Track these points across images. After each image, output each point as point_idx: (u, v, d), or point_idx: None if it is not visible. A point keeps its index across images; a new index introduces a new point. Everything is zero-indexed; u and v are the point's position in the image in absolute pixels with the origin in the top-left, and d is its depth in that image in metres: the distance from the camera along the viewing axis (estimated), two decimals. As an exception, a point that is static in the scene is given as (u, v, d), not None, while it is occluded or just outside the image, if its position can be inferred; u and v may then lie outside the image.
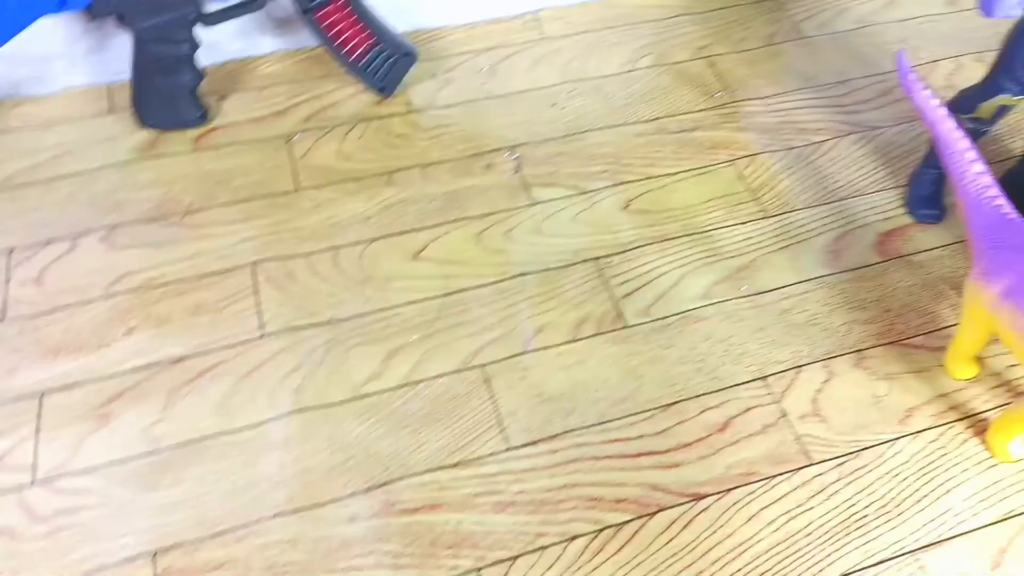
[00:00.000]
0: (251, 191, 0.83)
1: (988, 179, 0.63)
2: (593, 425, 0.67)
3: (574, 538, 0.61)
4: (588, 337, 0.72)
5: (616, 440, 0.66)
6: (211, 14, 0.83)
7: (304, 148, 0.87)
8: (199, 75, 0.86)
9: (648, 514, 0.62)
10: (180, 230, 0.79)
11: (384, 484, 0.63)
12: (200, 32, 0.85)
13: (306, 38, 0.97)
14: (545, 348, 0.72)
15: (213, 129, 0.89)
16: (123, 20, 0.80)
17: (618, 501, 0.63)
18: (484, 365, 0.70)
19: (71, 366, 0.69)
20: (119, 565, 0.58)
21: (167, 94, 0.85)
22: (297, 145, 0.88)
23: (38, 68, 0.90)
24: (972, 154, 0.64)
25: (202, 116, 0.87)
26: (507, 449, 0.66)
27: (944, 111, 0.65)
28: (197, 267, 0.76)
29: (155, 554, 0.59)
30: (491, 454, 0.65)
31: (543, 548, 0.61)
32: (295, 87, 0.94)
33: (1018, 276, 0.56)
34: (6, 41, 0.77)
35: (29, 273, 0.75)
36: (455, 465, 0.64)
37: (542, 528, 0.61)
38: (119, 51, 0.90)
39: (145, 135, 0.87)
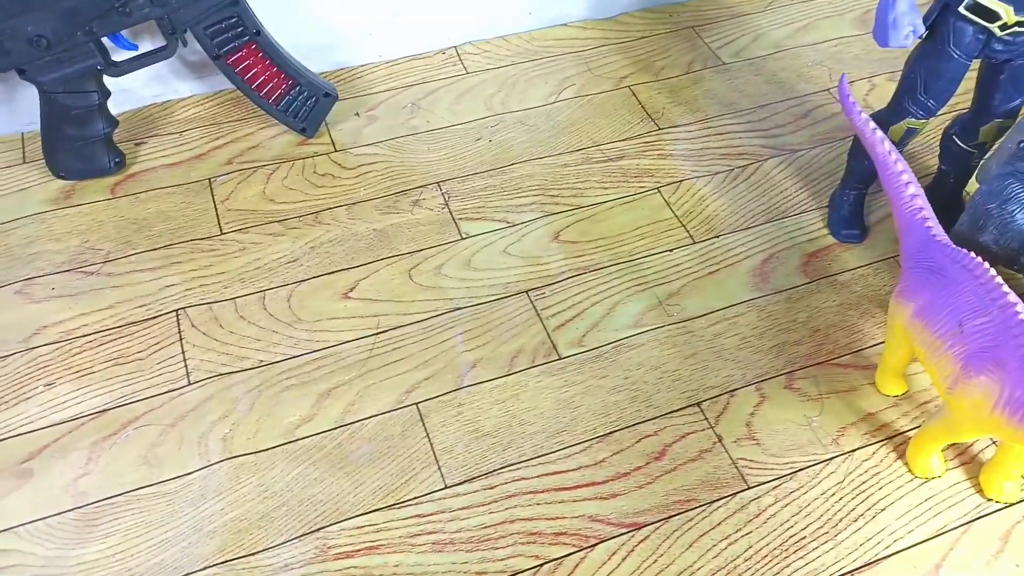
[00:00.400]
0: (172, 236, 0.81)
1: (921, 200, 0.64)
2: (530, 459, 0.67)
3: (515, 574, 0.60)
4: (523, 370, 0.72)
5: (554, 473, 0.66)
6: (118, 63, 0.81)
7: (227, 191, 0.86)
8: (112, 123, 0.84)
9: (588, 546, 0.62)
10: (99, 279, 0.77)
11: (319, 529, 0.61)
12: (111, 80, 0.83)
13: (223, 80, 0.95)
14: (480, 383, 0.71)
15: (131, 176, 0.87)
16: (25, 74, 0.78)
17: (557, 535, 0.63)
18: (419, 403, 0.70)
19: (-18, 428, 0.66)
20: (37, 635, 0.56)
21: (79, 144, 0.83)
22: (219, 188, 0.86)
23: (-55, 119, 0.87)
24: (907, 176, 0.65)
25: (118, 163, 0.85)
26: (444, 488, 0.65)
27: (881, 134, 0.66)
28: (118, 316, 0.74)
29: (77, 621, 0.56)
30: (428, 493, 0.64)
31: (483, 588, 0.59)
32: (215, 129, 0.93)
33: (930, 295, 0.56)
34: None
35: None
36: (391, 506, 0.63)
37: (482, 566, 0.60)
38: (29, 102, 0.88)
39: (60, 184, 0.85)
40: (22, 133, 0.90)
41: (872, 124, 0.68)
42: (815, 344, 0.75)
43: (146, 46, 0.85)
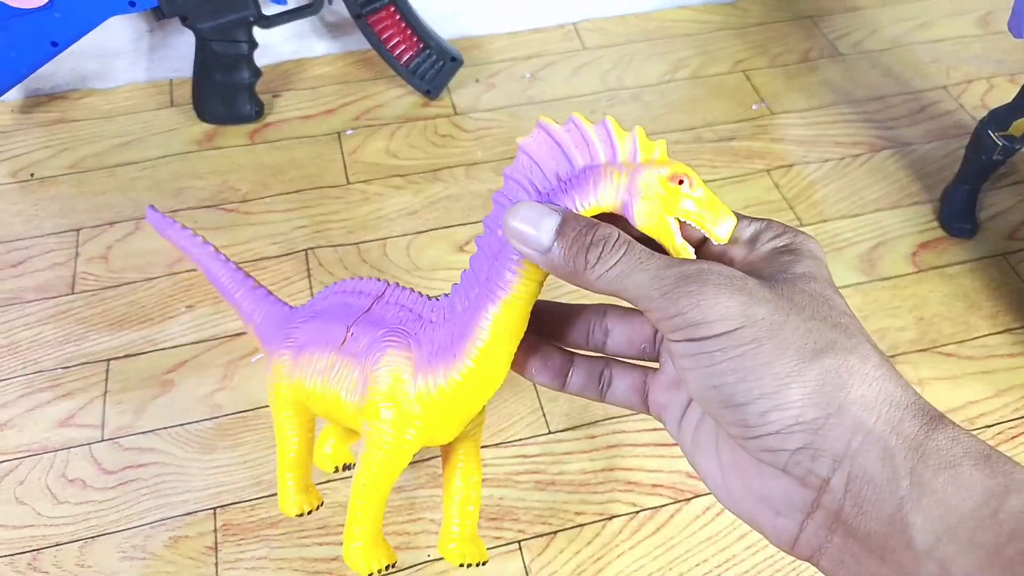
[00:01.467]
0: (304, 183, 0.86)
1: (253, 279, 0.49)
2: (631, 415, 0.69)
3: (612, 518, 0.63)
4: (627, 331, 0.75)
5: (653, 429, 0.69)
6: (269, 17, 0.87)
7: (354, 144, 0.91)
8: (256, 73, 0.90)
9: (684, 499, 0.64)
10: (237, 216, 0.82)
11: (429, 459, 0.65)
12: (258, 34, 0.89)
13: (356, 42, 1.01)
14: (585, 339, 0.74)
15: (268, 125, 0.92)
16: (187, 21, 0.84)
17: (655, 486, 0.65)
18: (526, 354, 0.73)
19: (135, 336, 0.72)
20: (181, 518, 0.61)
21: (226, 91, 0.89)
22: (347, 141, 0.91)
23: (104, 63, 0.94)
24: (237, 268, 0.49)
25: (258, 112, 0.91)
26: (548, 433, 0.68)
27: (208, 246, 0.49)
28: (254, 251, 0.79)
29: (215, 510, 0.62)
30: (532, 436, 0.68)
31: (581, 525, 0.63)
32: (345, 88, 0.98)
33: (304, 334, 0.41)
34: (80, 37, 0.81)
35: (96, 251, 0.78)
36: (498, 444, 0.67)
37: (580, 507, 0.64)
38: (180, 49, 0.95)
39: (204, 128, 0.91)
40: (170, 79, 0.97)
41: (197, 236, 0.49)
42: (919, 331, 0.76)
43: (293, 3, 0.91)
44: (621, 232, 0.28)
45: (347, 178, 0.87)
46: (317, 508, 0.48)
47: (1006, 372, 0.73)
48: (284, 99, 0.95)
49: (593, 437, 0.68)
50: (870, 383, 0.25)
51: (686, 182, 0.28)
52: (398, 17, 0.90)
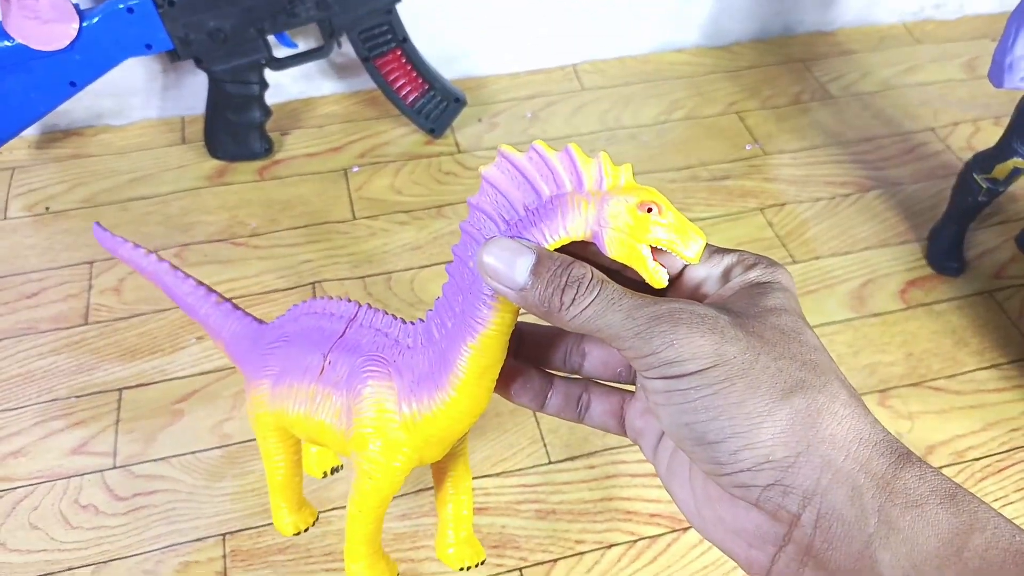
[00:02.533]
0: (311, 218, 0.89)
1: (217, 295, 0.51)
2: (629, 446, 0.71)
3: (611, 546, 0.65)
4: (625, 364, 0.77)
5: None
6: (280, 59, 0.90)
7: (360, 181, 0.94)
8: (267, 112, 0.93)
9: (681, 529, 0.66)
10: (247, 250, 0.85)
11: (432, 488, 0.67)
12: (268, 74, 0.92)
13: (361, 82, 1.04)
14: (584, 372, 0.76)
15: (276, 162, 0.95)
16: (201, 63, 0.87)
17: (652, 515, 0.67)
18: (527, 386, 0.75)
19: (146, 366, 0.74)
20: (191, 544, 0.63)
21: (237, 129, 0.92)
22: (353, 178, 0.94)
23: (118, 101, 0.97)
24: (198, 284, 0.51)
25: (267, 149, 0.94)
26: (548, 463, 0.70)
27: (164, 263, 0.51)
28: (262, 284, 0.82)
29: (224, 536, 0.63)
30: (533, 466, 0.69)
31: (582, 554, 0.64)
32: (351, 126, 1.01)
33: (279, 361, 0.42)
34: (97, 78, 0.84)
35: (109, 283, 0.81)
36: (500, 474, 0.69)
37: (580, 535, 0.65)
38: (192, 89, 0.98)
39: (214, 164, 0.94)
40: (183, 117, 1.00)
41: (145, 250, 0.52)
42: (909, 366, 0.78)
43: (303, 46, 0.94)
44: (594, 271, 0.28)
45: (353, 214, 0.90)
46: (313, 524, 0.50)
47: (993, 406, 0.75)
48: (292, 137, 0.98)
49: (592, 467, 0.70)
50: (839, 421, 0.26)
51: (655, 210, 0.28)
52: (404, 60, 0.93)
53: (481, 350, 0.33)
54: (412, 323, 0.38)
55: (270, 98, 0.97)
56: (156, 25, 0.82)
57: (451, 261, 0.33)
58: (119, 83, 0.94)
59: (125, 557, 0.62)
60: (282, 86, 1.00)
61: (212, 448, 0.69)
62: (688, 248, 0.29)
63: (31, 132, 0.95)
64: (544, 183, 0.29)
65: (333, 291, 0.82)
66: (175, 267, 0.49)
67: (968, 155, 0.95)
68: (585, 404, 0.35)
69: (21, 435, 0.69)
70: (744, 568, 0.29)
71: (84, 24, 0.80)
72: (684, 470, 0.31)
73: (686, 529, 0.66)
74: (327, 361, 0.39)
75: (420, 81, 0.95)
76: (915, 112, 1.06)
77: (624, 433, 0.35)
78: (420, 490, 0.67)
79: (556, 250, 0.29)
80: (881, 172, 0.98)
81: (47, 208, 0.89)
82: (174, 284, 0.49)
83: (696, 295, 0.31)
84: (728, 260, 0.30)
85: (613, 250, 0.28)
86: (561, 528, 0.66)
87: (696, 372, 0.26)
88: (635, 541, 0.65)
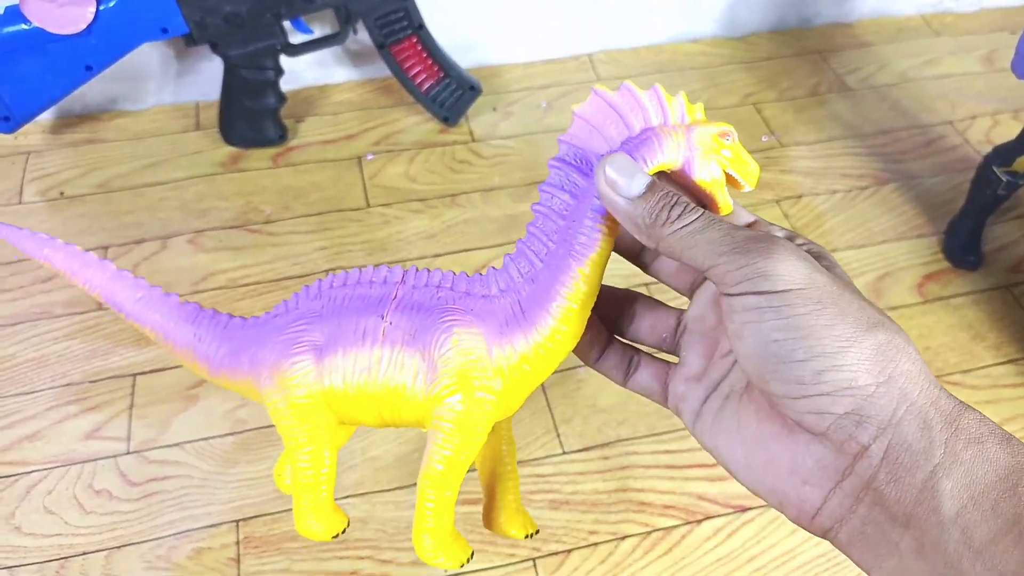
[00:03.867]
0: (325, 205, 0.89)
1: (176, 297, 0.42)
2: (643, 436, 0.71)
3: (625, 537, 0.65)
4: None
5: (665, 451, 0.70)
6: (296, 45, 0.90)
7: (374, 169, 0.93)
8: (282, 99, 0.92)
9: (695, 521, 0.66)
10: (261, 237, 0.85)
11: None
12: (283, 60, 0.92)
13: (376, 70, 1.03)
14: (599, 363, 0.76)
15: (291, 148, 0.95)
16: (217, 48, 0.87)
17: (666, 507, 0.67)
18: (541, 376, 0.75)
19: (161, 352, 0.74)
20: (205, 530, 0.63)
21: (252, 115, 0.91)
22: (367, 166, 0.94)
23: (133, 86, 0.97)
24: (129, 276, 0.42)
25: (282, 136, 0.94)
26: (562, 453, 0.70)
27: (108, 264, 0.42)
28: (276, 271, 0.81)
29: (238, 522, 0.63)
30: (547, 456, 0.69)
31: (595, 544, 0.64)
32: (365, 114, 1.00)
33: (323, 330, 0.37)
34: (113, 62, 0.84)
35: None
36: (514, 464, 0.68)
37: (594, 526, 0.65)
38: (207, 74, 0.97)
39: (229, 151, 0.94)
40: (197, 103, 0.99)
41: (75, 248, 0.42)
42: (925, 360, 0.77)
43: (319, 32, 0.94)
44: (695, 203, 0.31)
45: (367, 201, 0.90)
46: (348, 525, 0.41)
47: (1010, 402, 0.75)
48: (307, 124, 0.98)
49: (607, 458, 0.69)
50: (914, 361, 0.27)
51: (731, 136, 0.32)
52: (420, 47, 0.92)
53: (589, 276, 0.33)
54: (477, 274, 0.36)
55: (284, 85, 0.96)
56: (172, 9, 0.82)
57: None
58: (134, 68, 0.94)
59: (138, 543, 0.63)
60: (296, 73, 1.00)
61: (226, 434, 0.69)
62: (751, 176, 0.33)
63: (46, 117, 0.95)
64: (634, 117, 0.32)
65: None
66: (120, 269, 0.41)
67: (986, 148, 0.94)
68: (635, 366, 0.37)
69: (36, 419, 0.70)
70: (792, 512, 0.30)
71: (101, 8, 0.80)
72: (732, 421, 0.32)
73: (700, 521, 0.66)
74: (387, 322, 0.36)
75: (436, 69, 0.94)
76: (933, 105, 1.05)
77: (665, 400, 0.36)
78: (434, 479, 0.67)
79: None
80: (899, 165, 0.97)
81: (62, 193, 0.89)
82: (113, 287, 0.41)
83: None
84: (784, 232, 0.32)
85: (702, 173, 0.32)
86: (574, 519, 0.65)
87: (790, 290, 0.27)
88: (649, 532, 0.65)
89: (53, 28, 0.79)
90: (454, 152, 0.96)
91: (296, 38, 0.91)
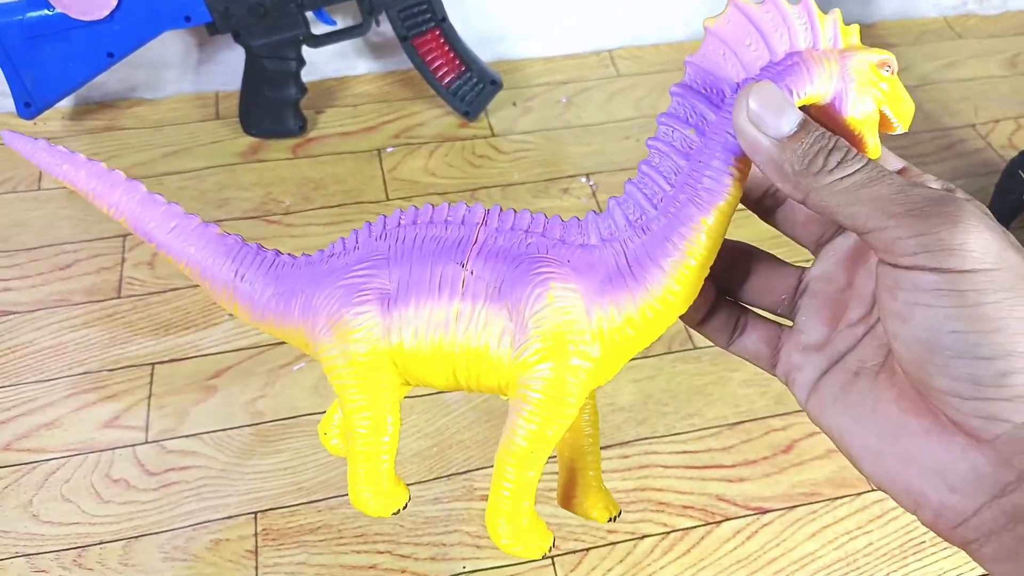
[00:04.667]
0: (344, 197, 0.88)
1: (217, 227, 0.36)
2: (662, 436, 0.71)
3: (644, 537, 0.64)
4: (660, 354, 0.76)
5: (684, 452, 0.70)
6: (318, 36, 0.89)
7: (393, 162, 0.93)
8: (302, 90, 0.92)
9: (715, 522, 0.66)
10: (280, 228, 0.84)
11: (466, 472, 0.67)
12: (304, 51, 0.91)
13: (396, 62, 1.03)
14: (618, 361, 0.75)
15: (310, 139, 0.94)
16: (239, 37, 0.87)
17: (685, 507, 0.66)
18: (559, 373, 0.74)
19: (180, 341, 0.74)
20: (223, 521, 0.63)
21: (273, 106, 0.91)
22: (387, 158, 0.93)
23: (153, 74, 0.96)
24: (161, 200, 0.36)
25: (301, 127, 0.93)
26: (581, 451, 0.69)
27: (139, 184, 0.36)
28: (295, 263, 0.81)
29: (256, 514, 0.63)
30: (566, 454, 0.69)
31: (614, 544, 0.64)
32: (385, 106, 1.00)
33: (392, 275, 0.31)
34: (135, 49, 0.84)
35: (142, 257, 0.80)
36: (532, 461, 0.68)
37: (613, 525, 0.65)
38: (227, 64, 0.97)
39: (248, 141, 0.93)
40: (217, 92, 0.99)
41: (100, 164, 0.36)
42: (947, 365, 0.77)
43: (341, 24, 0.93)
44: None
45: (387, 194, 0.89)
46: (410, 499, 0.36)
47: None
48: (326, 115, 0.98)
49: (626, 457, 0.69)
50: None
51: (891, 66, 0.27)
52: (442, 40, 0.92)
53: (713, 228, 0.28)
54: (575, 218, 0.31)
55: (304, 76, 0.96)
56: (196, -3, 0.82)
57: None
58: (154, 56, 0.94)
59: (156, 533, 0.62)
60: (316, 64, 0.99)
61: (245, 425, 0.69)
62: (906, 116, 0.28)
63: (64, 103, 0.95)
64: (778, 38, 0.27)
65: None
66: (150, 192, 0.35)
67: (1010, 153, 0.93)
68: (742, 327, 0.32)
69: (53, 407, 0.69)
70: (927, 516, 0.26)
71: (124, -5, 0.80)
72: (864, 403, 0.28)
73: (719, 523, 0.65)
74: (468, 271, 0.30)
75: (457, 62, 0.94)
76: (955, 108, 1.04)
77: (772, 367, 0.32)
78: (452, 475, 0.67)
79: None
80: (920, 167, 0.95)
81: (80, 180, 0.88)
82: (148, 213, 0.35)
83: None
84: (942, 184, 0.29)
85: (855, 110, 0.27)
86: (594, 517, 0.65)
87: (981, 271, 0.23)
88: (668, 533, 0.65)
89: (77, 14, 0.79)
90: (474, 147, 0.96)
91: (318, 29, 0.90)
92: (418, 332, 0.31)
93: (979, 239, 0.23)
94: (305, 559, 0.61)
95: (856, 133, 0.27)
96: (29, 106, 0.84)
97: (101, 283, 0.78)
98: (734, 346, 0.33)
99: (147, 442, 0.67)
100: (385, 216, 0.32)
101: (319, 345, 0.32)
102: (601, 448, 0.69)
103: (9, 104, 0.90)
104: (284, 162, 0.92)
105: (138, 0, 0.80)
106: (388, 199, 0.89)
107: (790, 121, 0.25)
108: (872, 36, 1.14)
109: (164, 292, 0.78)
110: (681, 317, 0.31)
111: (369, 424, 0.32)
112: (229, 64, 0.97)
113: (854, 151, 0.26)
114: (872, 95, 0.27)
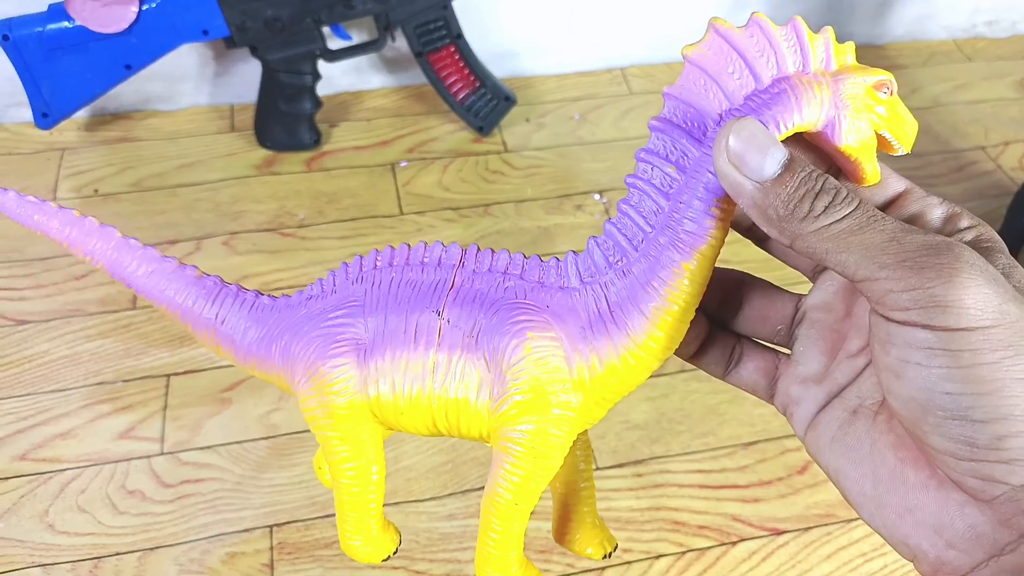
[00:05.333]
0: (358, 211, 0.89)
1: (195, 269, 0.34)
2: (677, 455, 0.71)
3: (659, 556, 0.64)
4: (673, 373, 0.76)
5: (699, 471, 0.70)
6: (334, 51, 0.90)
7: (407, 176, 0.93)
8: (317, 103, 0.92)
9: (730, 542, 0.65)
10: (295, 241, 0.85)
11: (480, 488, 0.67)
12: (320, 66, 0.92)
13: (411, 77, 1.03)
14: (632, 378, 0.75)
15: (324, 153, 0.95)
16: (256, 51, 0.87)
17: (701, 527, 0.66)
18: (573, 390, 0.74)
19: (195, 353, 0.74)
20: (238, 535, 0.63)
21: (288, 119, 0.91)
22: (401, 173, 0.93)
23: (168, 86, 0.97)
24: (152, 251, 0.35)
25: (316, 140, 0.94)
26: (596, 469, 0.69)
27: (112, 229, 0.34)
28: (310, 276, 0.81)
29: (271, 528, 0.63)
30: (581, 472, 0.69)
31: (629, 563, 0.64)
32: (399, 121, 1.00)
33: (373, 324, 0.30)
34: (153, 62, 0.84)
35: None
36: (547, 479, 0.68)
37: (628, 545, 0.65)
38: (243, 77, 0.97)
39: (263, 154, 0.94)
40: (232, 105, 0.99)
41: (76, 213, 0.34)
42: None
43: (357, 39, 0.93)
44: (849, 188, 0.24)
45: (400, 208, 0.89)
46: (400, 545, 0.36)
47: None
48: (341, 129, 0.98)
49: (640, 475, 0.69)
50: None
51: (888, 88, 0.25)
52: (457, 56, 0.93)
53: (696, 272, 0.26)
54: (553, 259, 0.30)
55: (319, 90, 0.97)
56: (214, 11, 0.82)
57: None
58: (170, 68, 0.94)
59: (171, 545, 0.62)
60: (331, 78, 1.00)
61: (259, 438, 0.69)
62: (907, 138, 0.26)
63: (81, 114, 0.95)
64: (764, 63, 0.25)
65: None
66: (125, 235, 0.35)
67: (1021, 175, 0.94)
68: (737, 358, 0.31)
69: (68, 417, 0.69)
70: (925, 570, 0.25)
71: (143, 8, 0.80)
72: (862, 446, 0.26)
73: (735, 543, 0.65)
74: (444, 320, 0.30)
75: (472, 79, 0.94)
76: (965, 130, 1.05)
77: (771, 398, 0.30)
78: (467, 490, 0.67)
79: None
80: (930, 189, 0.95)
81: (96, 191, 0.89)
82: (126, 260, 0.34)
83: None
84: (945, 208, 0.27)
85: (849, 139, 0.25)
86: (609, 536, 0.65)
87: (977, 329, 0.21)
88: (683, 553, 0.65)
89: (96, 27, 0.79)
90: (487, 162, 0.96)
91: (335, 44, 0.91)
92: (395, 384, 0.30)
93: (976, 294, 0.21)
94: (321, 574, 0.61)
95: (852, 160, 0.26)
96: (47, 116, 0.84)
97: (116, 294, 0.78)
98: (730, 377, 0.31)
99: (162, 454, 0.67)
100: (361, 256, 0.32)
101: (299, 395, 0.32)
102: (615, 466, 0.69)
103: (27, 114, 0.90)
104: (298, 175, 0.92)
105: (157, 14, 0.81)
106: (402, 213, 0.89)
107: (774, 161, 0.24)
108: (882, 58, 1.15)
109: (180, 304, 0.78)
110: (675, 353, 0.29)
111: (354, 474, 0.32)
112: (245, 77, 0.97)
113: (844, 192, 0.24)
114: (868, 120, 0.25)
